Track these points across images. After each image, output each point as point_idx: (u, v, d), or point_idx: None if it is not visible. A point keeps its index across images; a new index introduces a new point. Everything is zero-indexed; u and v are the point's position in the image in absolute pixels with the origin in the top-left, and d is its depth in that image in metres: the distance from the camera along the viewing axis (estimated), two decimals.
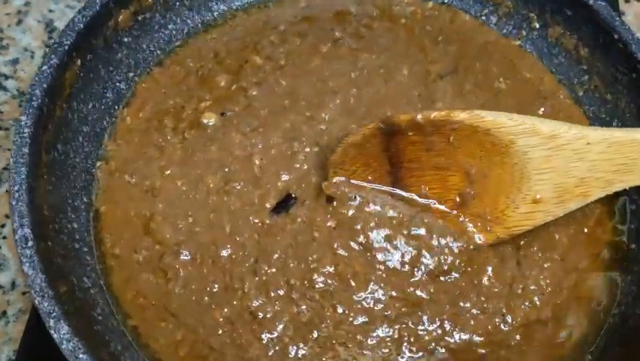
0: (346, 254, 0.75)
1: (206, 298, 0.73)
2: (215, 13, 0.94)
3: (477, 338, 0.73)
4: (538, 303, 0.75)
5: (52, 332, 0.60)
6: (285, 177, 0.80)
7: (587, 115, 0.89)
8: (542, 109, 0.88)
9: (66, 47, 0.76)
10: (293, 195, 0.79)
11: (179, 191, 0.79)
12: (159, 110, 0.85)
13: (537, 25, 0.94)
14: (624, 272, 0.79)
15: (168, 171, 0.80)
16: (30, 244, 0.64)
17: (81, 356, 0.59)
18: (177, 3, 0.90)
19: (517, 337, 0.74)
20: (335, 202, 0.77)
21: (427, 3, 0.97)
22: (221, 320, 0.72)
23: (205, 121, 0.84)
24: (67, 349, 0.59)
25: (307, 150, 0.82)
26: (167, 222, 0.77)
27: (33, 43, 1.08)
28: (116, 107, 0.85)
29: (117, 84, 0.85)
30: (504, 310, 0.75)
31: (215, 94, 0.86)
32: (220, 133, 0.83)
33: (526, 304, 0.75)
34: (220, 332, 0.72)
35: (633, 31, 0.84)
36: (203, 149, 0.82)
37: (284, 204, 0.78)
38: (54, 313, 0.61)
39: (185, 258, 0.75)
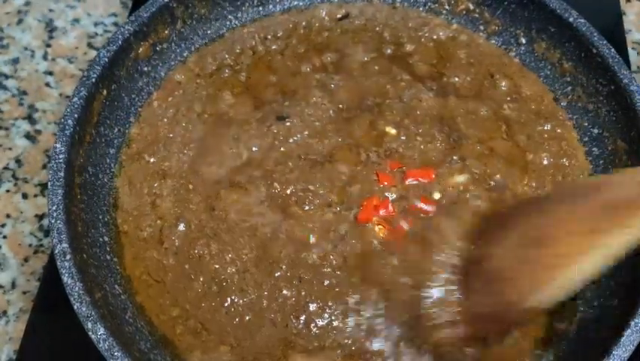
0: None
1: (187, 266, 0.81)
2: (224, 30, 1.02)
3: None
4: None
5: (90, 333, 0.68)
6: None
7: (572, 124, 0.96)
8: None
9: (93, 80, 0.84)
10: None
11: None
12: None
13: (524, 41, 1.00)
14: None
15: None
16: (68, 257, 0.72)
17: (116, 353, 0.67)
18: (192, 34, 0.98)
19: None
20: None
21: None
22: (199, 290, 0.80)
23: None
24: (104, 348, 0.68)
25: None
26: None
27: (33, 42, 1.13)
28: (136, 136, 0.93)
29: (139, 109, 0.93)
30: None
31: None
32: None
33: None
34: (204, 304, 0.80)
35: (632, 30, 0.89)
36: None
37: None
38: (91, 317, 0.69)
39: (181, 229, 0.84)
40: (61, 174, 0.77)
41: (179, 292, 0.80)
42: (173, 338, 0.78)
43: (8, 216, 0.98)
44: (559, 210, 0.66)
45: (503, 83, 0.98)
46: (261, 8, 1.03)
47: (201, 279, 0.81)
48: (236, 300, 0.80)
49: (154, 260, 0.82)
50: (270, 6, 1.03)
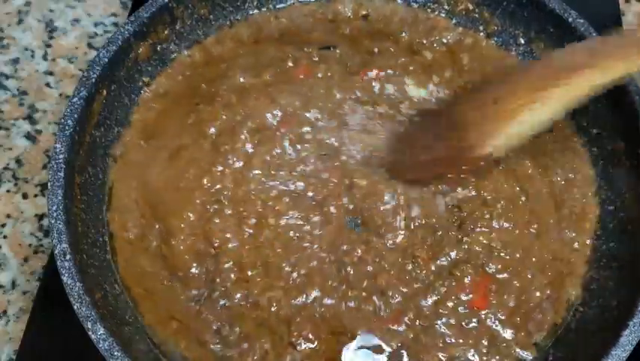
0: None
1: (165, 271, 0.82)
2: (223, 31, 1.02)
3: None
4: None
5: (89, 333, 0.69)
6: None
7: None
8: None
9: (93, 80, 0.84)
10: None
11: None
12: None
13: (522, 41, 1.00)
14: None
15: None
16: (68, 257, 0.72)
17: (116, 353, 0.67)
18: (192, 33, 0.98)
19: None
20: None
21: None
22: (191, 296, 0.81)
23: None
24: (104, 348, 0.68)
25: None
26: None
27: (33, 42, 1.13)
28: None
29: (139, 110, 0.93)
30: None
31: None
32: None
33: None
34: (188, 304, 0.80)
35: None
36: None
37: None
38: (91, 317, 0.69)
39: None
40: (61, 174, 0.77)
41: (167, 301, 0.81)
42: (179, 351, 0.78)
43: (8, 216, 0.98)
44: (516, 76, 0.83)
45: None
46: (259, 10, 1.03)
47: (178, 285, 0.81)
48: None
49: (142, 266, 0.82)
50: (270, 6, 1.03)
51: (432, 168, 0.86)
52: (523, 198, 0.89)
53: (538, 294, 0.83)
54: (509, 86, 0.81)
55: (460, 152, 0.82)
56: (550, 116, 0.78)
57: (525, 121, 0.78)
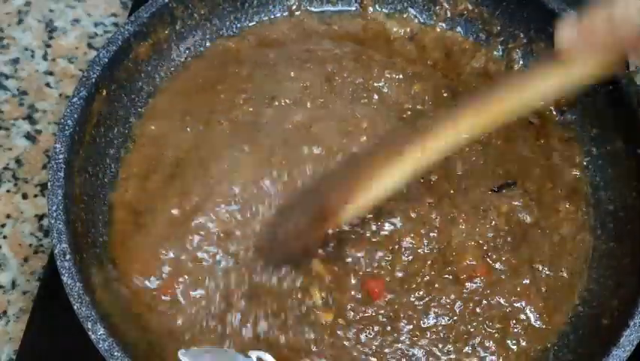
0: None
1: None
2: (233, 30, 1.03)
3: None
4: None
5: (89, 333, 0.69)
6: None
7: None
8: None
9: (93, 80, 0.84)
10: None
11: None
12: None
13: (523, 42, 1.00)
14: None
15: None
16: (68, 257, 0.73)
17: (116, 353, 0.67)
18: (192, 33, 0.99)
19: None
20: None
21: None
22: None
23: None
24: (104, 348, 0.68)
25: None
26: None
27: (33, 42, 1.13)
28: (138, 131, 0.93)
29: (139, 110, 0.94)
30: None
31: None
32: None
33: None
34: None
35: None
36: None
37: None
38: (91, 317, 0.69)
39: None
40: (61, 174, 0.77)
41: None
42: None
43: (8, 216, 0.98)
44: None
45: None
46: (261, 8, 1.03)
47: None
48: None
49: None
50: (271, 6, 1.04)
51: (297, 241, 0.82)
52: None
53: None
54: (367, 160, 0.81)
55: (320, 221, 0.79)
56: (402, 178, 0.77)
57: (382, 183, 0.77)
